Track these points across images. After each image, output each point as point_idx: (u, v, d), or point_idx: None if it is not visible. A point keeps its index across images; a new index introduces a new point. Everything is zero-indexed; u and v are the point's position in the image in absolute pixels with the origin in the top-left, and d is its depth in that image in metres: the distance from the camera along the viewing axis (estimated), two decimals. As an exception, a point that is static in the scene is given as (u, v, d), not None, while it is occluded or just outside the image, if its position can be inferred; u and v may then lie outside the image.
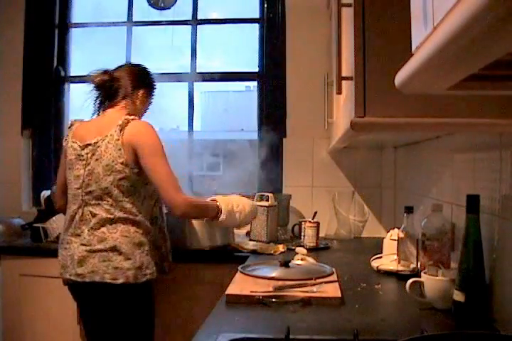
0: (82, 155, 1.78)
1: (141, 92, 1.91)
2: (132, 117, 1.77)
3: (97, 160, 1.75)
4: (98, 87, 1.88)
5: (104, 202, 1.74)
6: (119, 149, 1.72)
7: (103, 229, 1.73)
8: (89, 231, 1.74)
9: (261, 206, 2.39)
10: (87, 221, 1.76)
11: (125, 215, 1.74)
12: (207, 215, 1.93)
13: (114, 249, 1.70)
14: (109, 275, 1.68)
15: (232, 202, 1.98)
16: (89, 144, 1.78)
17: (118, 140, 1.73)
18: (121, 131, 1.73)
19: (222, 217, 1.91)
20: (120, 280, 1.68)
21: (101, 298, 1.74)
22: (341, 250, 2.33)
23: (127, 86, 1.87)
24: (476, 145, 1.39)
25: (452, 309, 1.22)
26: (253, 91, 3.01)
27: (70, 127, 1.93)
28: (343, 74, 1.19)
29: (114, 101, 1.87)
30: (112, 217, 1.73)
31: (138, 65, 1.99)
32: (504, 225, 1.17)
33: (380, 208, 2.72)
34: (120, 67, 1.94)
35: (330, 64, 2.32)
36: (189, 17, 2.93)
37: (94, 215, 1.74)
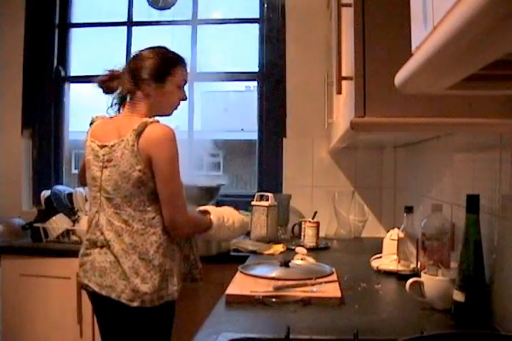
0: (99, 156, 1.71)
1: (153, 87, 1.74)
2: (151, 120, 1.67)
3: (114, 166, 1.67)
4: (105, 90, 1.78)
5: (123, 211, 1.67)
6: (136, 156, 1.63)
7: (122, 245, 1.65)
8: (108, 241, 1.67)
9: (261, 206, 2.39)
10: (104, 229, 1.69)
11: (144, 227, 1.66)
12: (200, 232, 1.87)
13: (132, 270, 1.64)
14: (126, 295, 1.63)
15: (224, 216, 1.90)
16: (106, 146, 1.70)
17: (133, 146, 1.63)
18: (137, 136, 1.64)
19: (212, 231, 1.84)
20: (135, 304, 1.63)
21: (115, 314, 1.70)
22: (341, 250, 2.33)
23: (127, 84, 1.73)
24: (476, 145, 1.39)
25: (452, 309, 1.22)
26: (253, 92, 3.02)
27: (90, 123, 1.84)
28: (343, 74, 1.19)
29: (133, 99, 1.76)
30: (129, 229, 1.66)
31: (147, 58, 1.76)
32: (504, 225, 1.17)
33: (380, 208, 2.72)
34: (134, 57, 1.79)
35: (330, 64, 2.32)
36: (189, 17, 2.93)
37: (111, 224, 1.68)
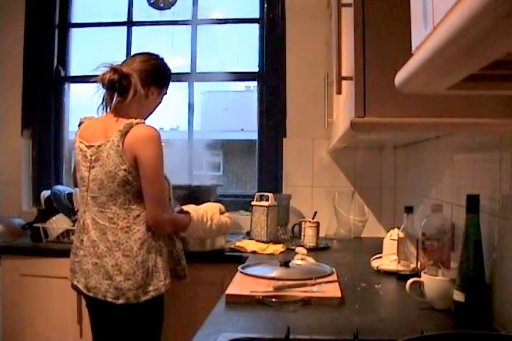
0: (87, 157, 1.74)
1: (151, 90, 1.82)
2: (137, 121, 1.70)
3: (100, 166, 1.70)
4: (107, 86, 1.75)
5: (108, 210, 1.70)
6: (121, 156, 1.67)
7: (107, 243, 1.69)
8: (93, 241, 1.70)
9: (261, 206, 2.39)
10: (90, 228, 1.72)
11: (129, 225, 1.70)
12: (179, 231, 1.89)
13: (115, 268, 1.67)
14: (111, 294, 1.67)
15: (203, 217, 1.92)
16: (93, 146, 1.73)
17: (119, 146, 1.67)
18: (122, 136, 1.67)
19: (187, 231, 1.88)
20: (120, 301, 1.66)
21: (104, 314, 1.73)
22: (341, 250, 2.33)
23: (137, 84, 1.74)
24: (476, 145, 1.39)
25: (452, 309, 1.22)
26: (253, 92, 3.02)
27: (79, 125, 1.87)
28: (343, 74, 1.19)
29: (123, 99, 1.76)
30: (114, 226, 1.69)
31: (151, 60, 1.84)
32: (504, 225, 1.17)
33: (380, 208, 2.72)
34: (133, 58, 1.82)
35: (330, 64, 2.32)
36: (189, 17, 2.93)
37: (96, 223, 1.71)
